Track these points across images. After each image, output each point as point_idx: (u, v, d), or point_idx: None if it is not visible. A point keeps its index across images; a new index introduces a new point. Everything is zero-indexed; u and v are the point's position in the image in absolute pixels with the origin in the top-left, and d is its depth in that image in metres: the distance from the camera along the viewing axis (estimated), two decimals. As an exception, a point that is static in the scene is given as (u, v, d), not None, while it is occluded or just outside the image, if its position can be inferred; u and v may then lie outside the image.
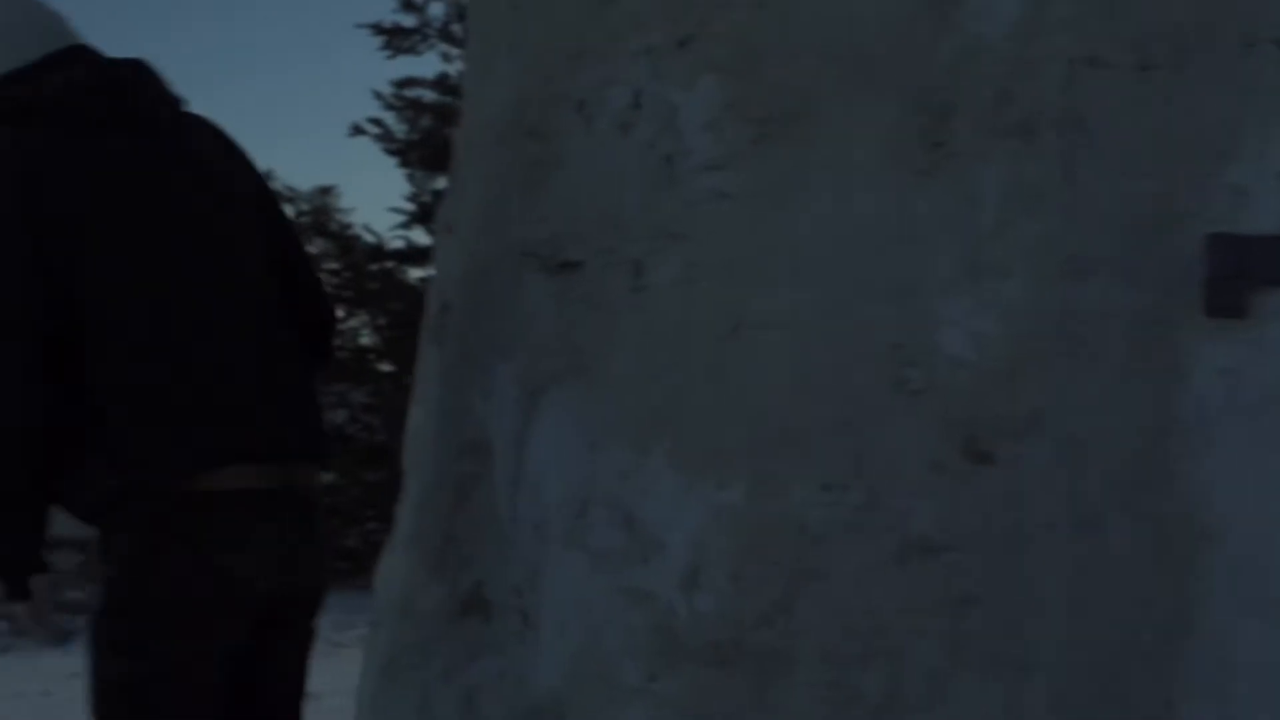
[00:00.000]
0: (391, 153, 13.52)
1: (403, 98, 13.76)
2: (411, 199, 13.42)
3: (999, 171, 1.82)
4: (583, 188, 2.38)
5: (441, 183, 11.37)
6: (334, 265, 13.48)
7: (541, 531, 2.28)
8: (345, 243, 13.72)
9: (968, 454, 1.76)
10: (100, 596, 2.26)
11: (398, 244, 13.61)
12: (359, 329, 13.87)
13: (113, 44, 2.53)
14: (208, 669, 2.26)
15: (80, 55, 2.40)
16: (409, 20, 14.28)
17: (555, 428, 2.29)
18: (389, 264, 13.76)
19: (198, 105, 2.52)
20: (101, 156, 2.32)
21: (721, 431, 1.98)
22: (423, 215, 12.78)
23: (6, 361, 2.19)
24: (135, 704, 2.25)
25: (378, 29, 13.90)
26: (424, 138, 13.27)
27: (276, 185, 8.35)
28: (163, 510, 2.24)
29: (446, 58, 13.48)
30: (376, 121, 13.44)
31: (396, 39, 14.06)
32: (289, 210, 8.27)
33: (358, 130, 13.42)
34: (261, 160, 2.56)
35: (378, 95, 13.57)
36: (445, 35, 13.49)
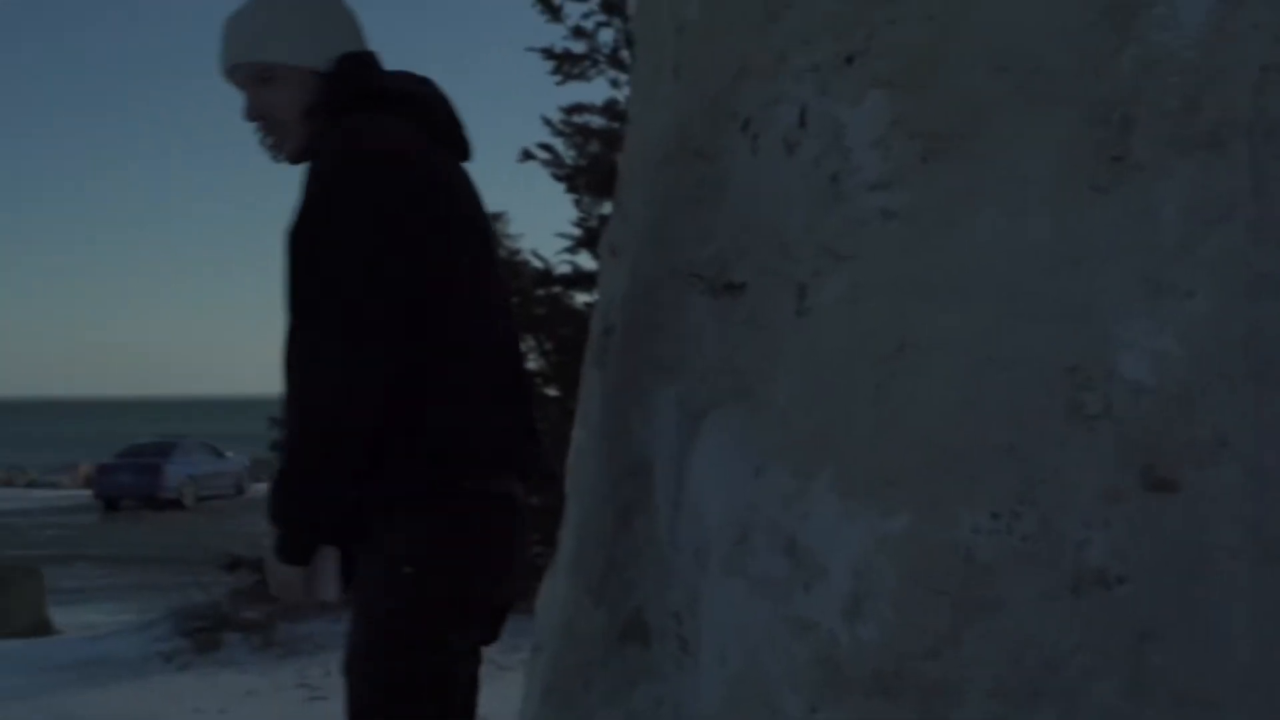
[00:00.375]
0: (560, 178, 13.63)
1: (571, 123, 13.88)
2: (579, 224, 13.51)
3: (1182, 185, 1.73)
4: (747, 208, 2.35)
5: (608, 208, 11.46)
6: (502, 291, 13.62)
7: (701, 557, 2.24)
8: (513, 268, 13.87)
9: (1147, 481, 1.68)
10: (381, 597, 2.31)
11: (564, 269, 13.70)
12: (525, 354, 13.99)
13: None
14: (473, 666, 2.43)
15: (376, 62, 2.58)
16: (579, 46, 14.44)
17: (717, 451, 2.25)
18: (556, 289, 13.86)
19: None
20: (447, 165, 2.48)
21: (886, 456, 1.92)
22: (589, 240, 12.85)
23: (372, 361, 2.26)
24: (430, 698, 2.32)
25: (548, 54, 14.08)
26: (592, 163, 13.36)
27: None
28: (459, 508, 2.34)
29: (615, 84, 13.56)
30: (546, 147, 13.57)
31: (566, 65, 14.21)
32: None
33: (527, 156, 13.56)
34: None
35: (547, 121, 13.72)
36: (614, 61, 13.58)
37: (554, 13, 14.80)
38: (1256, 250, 1.68)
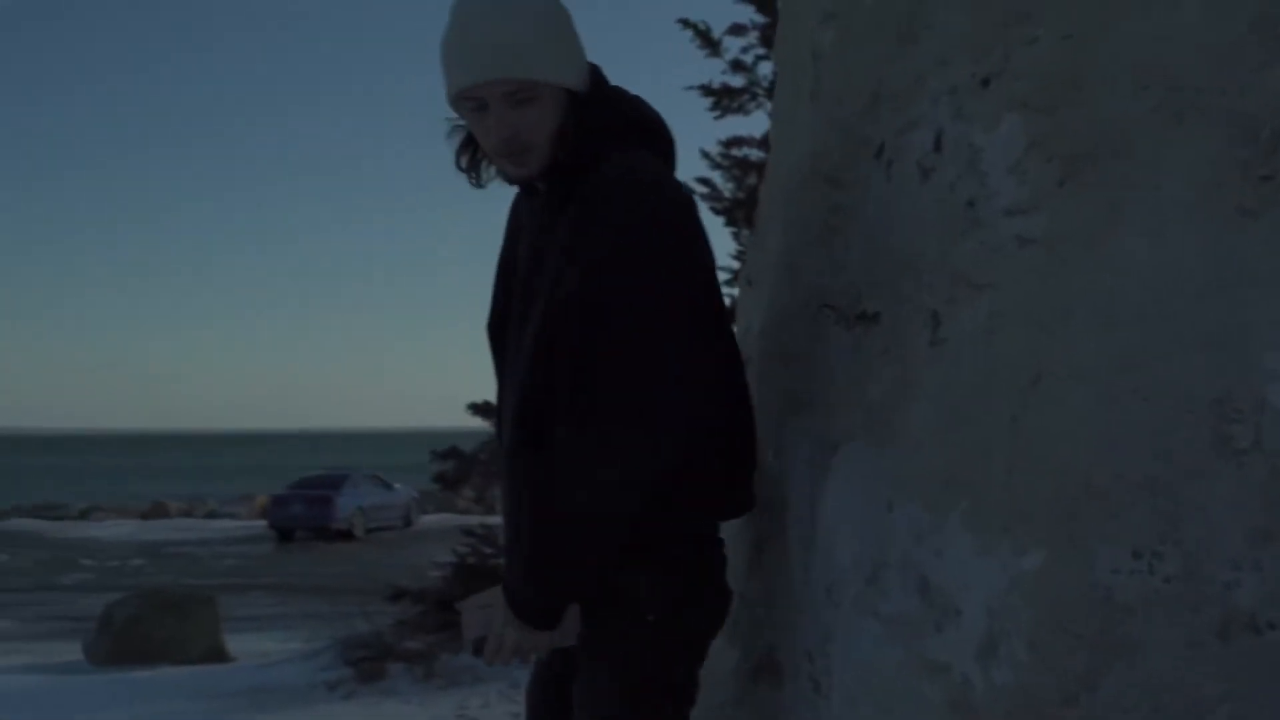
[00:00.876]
0: (719, 212, 13.62)
1: (730, 157, 13.89)
2: (737, 257, 13.48)
3: (1337, 206, 1.63)
4: (881, 236, 2.29)
5: (767, 241, 11.40)
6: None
7: (833, 594, 2.18)
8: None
9: (1299, 521, 1.58)
10: (628, 644, 2.26)
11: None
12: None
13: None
14: None
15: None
16: (737, 80, 14.45)
17: (849, 486, 2.19)
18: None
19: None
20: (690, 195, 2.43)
21: (1022, 491, 1.84)
22: (749, 273, 12.82)
23: (674, 429, 2.16)
24: None
25: (707, 90, 14.12)
26: (750, 196, 13.32)
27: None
28: (699, 553, 2.33)
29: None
30: (705, 181, 13.59)
31: (725, 99, 14.24)
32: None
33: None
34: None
35: (705, 155, 13.74)
36: (772, 94, 13.55)
37: (713, 47, 14.86)
38: None
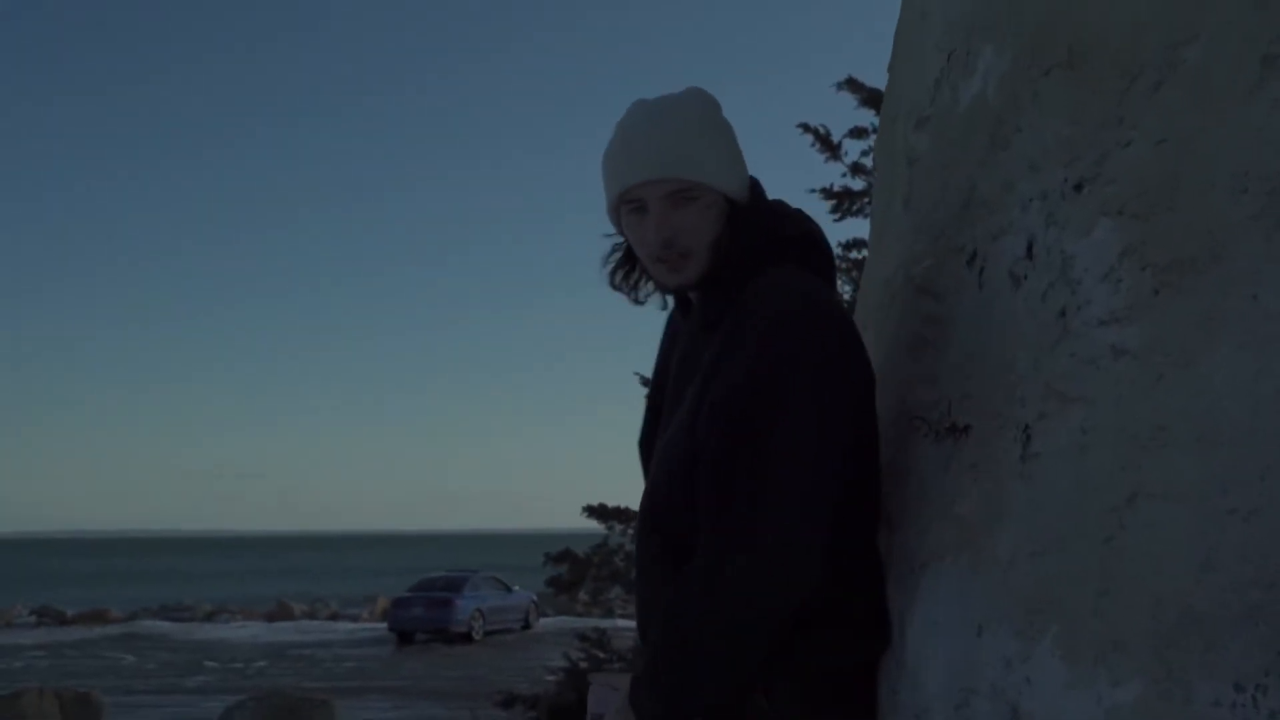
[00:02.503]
0: (840, 314, 13.55)
1: (849, 259, 13.85)
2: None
3: None
4: (972, 345, 2.21)
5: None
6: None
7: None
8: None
9: None
10: None
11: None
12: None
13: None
14: None
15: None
16: (857, 183, 14.44)
17: (939, 607, 2.10)
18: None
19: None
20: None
21: (1115, 617, 1.73)
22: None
23: (813, 553, 2.11)
24: None
25: (827, 193, 14.16)
26: (868, 299, 13.24)
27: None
28: (849, 685, 2.29)
29: (891, 220, 13.48)
30: (826, 283, 13.54)
31: (845, 202, 14.25)
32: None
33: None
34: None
35: (827, 257, 13.72)
36: (888, 198, 13.51)
37: (833, 151, 14.90)
38: None
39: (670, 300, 2.50)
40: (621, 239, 2.44)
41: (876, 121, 13.36)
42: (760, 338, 2.16)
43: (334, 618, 45.53)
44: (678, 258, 2.28)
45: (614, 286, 2.47)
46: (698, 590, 2.09)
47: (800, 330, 2.17)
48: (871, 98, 13.74)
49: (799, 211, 2.46)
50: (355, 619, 44.60)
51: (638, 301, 2.46)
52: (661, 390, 2.50)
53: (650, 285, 2.45)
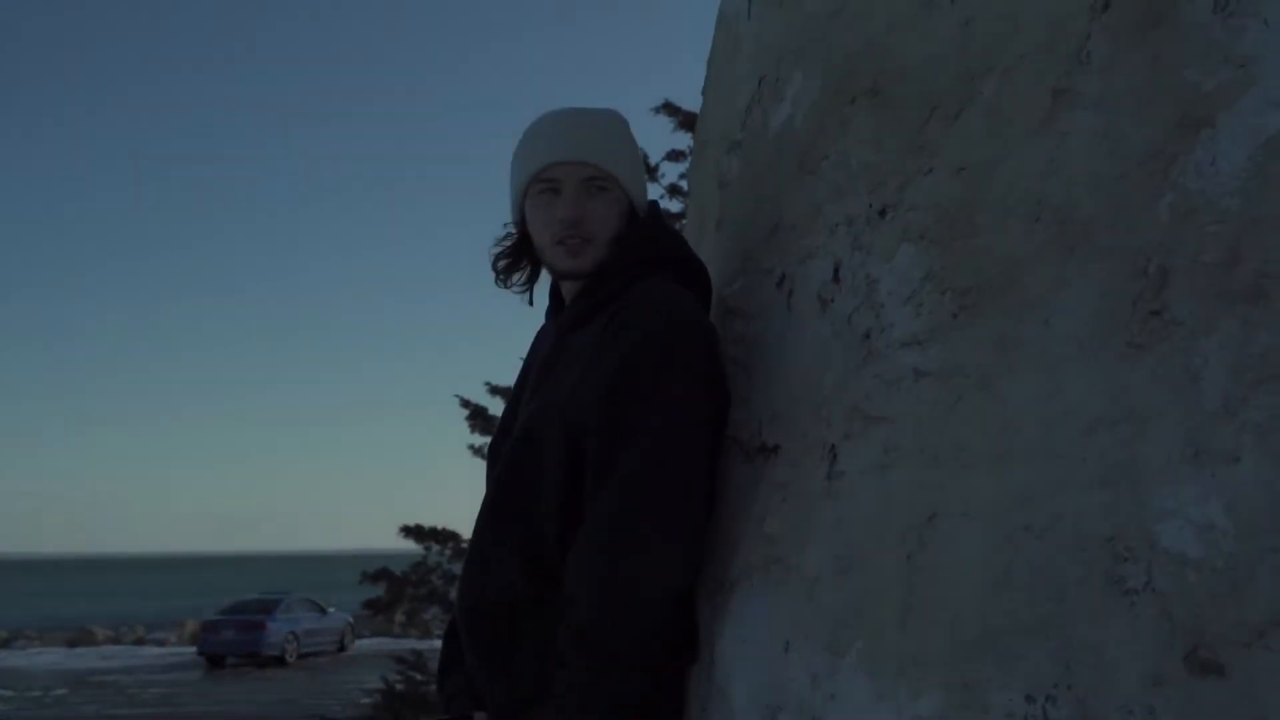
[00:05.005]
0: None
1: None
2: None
3: (1224, 342, 1.60)
4: (782, 367, 2.26)
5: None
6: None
7: (731, 737, 2.11)
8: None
9: (1193, 665, 1.52)
10: None
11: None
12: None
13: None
14: None
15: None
16: (674, 205, 14.58)
17: (747, 625, 2.13)
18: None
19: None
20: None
21: (916, 633, 1.78)
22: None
23: (690, 529, 2.26)
24: None
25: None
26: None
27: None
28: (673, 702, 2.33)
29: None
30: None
31: (661, 224, 14.35)
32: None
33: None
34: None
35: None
36: (705, 219, 13.66)
37: (650, 173, 15.00)
38: (1309, 411, 1.54)
39: (537, 296, 2.63)
40: (514, 230, 2.56)
41: (693, 144, 13.55)
42: (644, 335, 2.26)
43: (140, 642, 44.13)
44: (581, 242, 2.41)
45: (495, 270, 2.58)
46: (594, 598, 2.16)
47: (680, 335, 2.28)
48: (688, 121, 13.91)
49: (682, 235, 2.62)
50: (163, 643, 43.31)
51: (504, 286, 2.58)
52: (518, 402, 2.56)
53: (523, 278, 2.59)
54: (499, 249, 2.59)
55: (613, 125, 2.53)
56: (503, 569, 2.31)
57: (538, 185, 2.44)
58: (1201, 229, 1.66)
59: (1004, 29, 1.95)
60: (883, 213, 2.09)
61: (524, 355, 2.68)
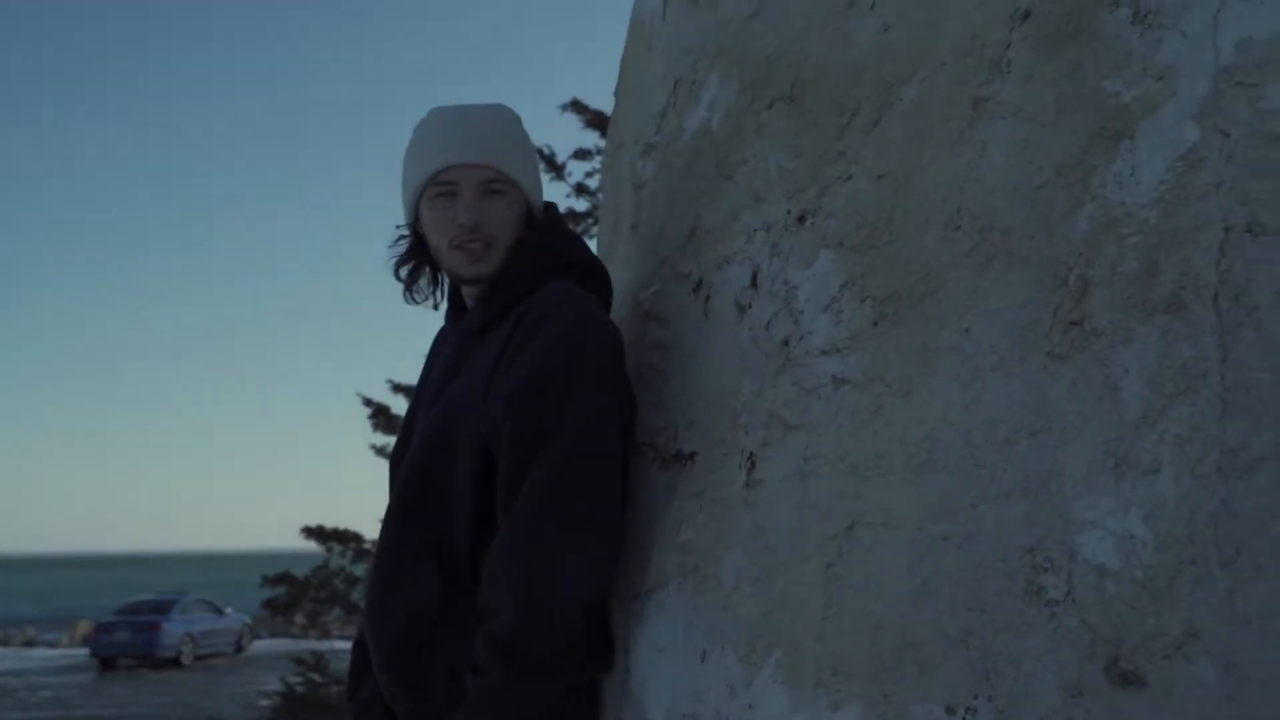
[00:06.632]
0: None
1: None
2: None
3: (1144, 352, 1.61)
4: (698, 373, 2.24)
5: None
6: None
7: (646, 748, 2.08)
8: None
9: (1112, 675, 1.52)
10: None
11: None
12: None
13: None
14: None
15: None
16: (581, 204, 14.55)
17: (663, 633, 2.11)
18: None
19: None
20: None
21: (834, 642, 1.77)
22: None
23: (609, 534, 2.25)
24: None
25: (548, 214, 14.17)
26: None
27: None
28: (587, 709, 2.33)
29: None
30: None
31: (570, 223, 14.28)
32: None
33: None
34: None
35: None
36: (611, 219, 13.66)
37: (557, 171, 14.95)
38: (1226, 424, 1.55)
39: (440, 303, 2.59)
40: (408, 234, 2.51)
41: (601, 144, 13.50)
42: (552, 340, 2.23)
43: (29, 644, 43.18)
44: (481, 246, 2.37)
45: (398, 279, 2.53)
46: (514, 607, 2.12)
47: (589, 341, 2.25)
48: (596, 119, 13.88)
49: (580, 238, 2.58)
50: (54, 645, 42.41)
51: (413, 299, 2.52)
52: (418, 408, 2.52)
53: (425, 284, 2.54)
54: (396, 255, 2.53)
55: (509, 125, 2.49)
56: (413, 578, 2.27)
57: (434, 188, 2.39)
58: (1121, 240, 1.67)
59: (924, 36, 1.94)
60: (801, 219, 2.08)
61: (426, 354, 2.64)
